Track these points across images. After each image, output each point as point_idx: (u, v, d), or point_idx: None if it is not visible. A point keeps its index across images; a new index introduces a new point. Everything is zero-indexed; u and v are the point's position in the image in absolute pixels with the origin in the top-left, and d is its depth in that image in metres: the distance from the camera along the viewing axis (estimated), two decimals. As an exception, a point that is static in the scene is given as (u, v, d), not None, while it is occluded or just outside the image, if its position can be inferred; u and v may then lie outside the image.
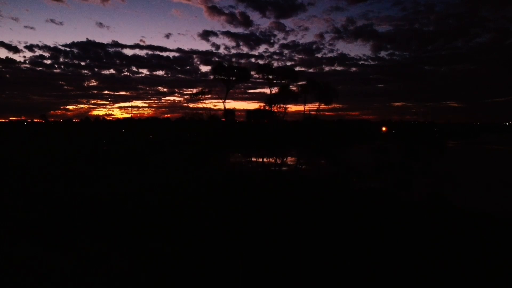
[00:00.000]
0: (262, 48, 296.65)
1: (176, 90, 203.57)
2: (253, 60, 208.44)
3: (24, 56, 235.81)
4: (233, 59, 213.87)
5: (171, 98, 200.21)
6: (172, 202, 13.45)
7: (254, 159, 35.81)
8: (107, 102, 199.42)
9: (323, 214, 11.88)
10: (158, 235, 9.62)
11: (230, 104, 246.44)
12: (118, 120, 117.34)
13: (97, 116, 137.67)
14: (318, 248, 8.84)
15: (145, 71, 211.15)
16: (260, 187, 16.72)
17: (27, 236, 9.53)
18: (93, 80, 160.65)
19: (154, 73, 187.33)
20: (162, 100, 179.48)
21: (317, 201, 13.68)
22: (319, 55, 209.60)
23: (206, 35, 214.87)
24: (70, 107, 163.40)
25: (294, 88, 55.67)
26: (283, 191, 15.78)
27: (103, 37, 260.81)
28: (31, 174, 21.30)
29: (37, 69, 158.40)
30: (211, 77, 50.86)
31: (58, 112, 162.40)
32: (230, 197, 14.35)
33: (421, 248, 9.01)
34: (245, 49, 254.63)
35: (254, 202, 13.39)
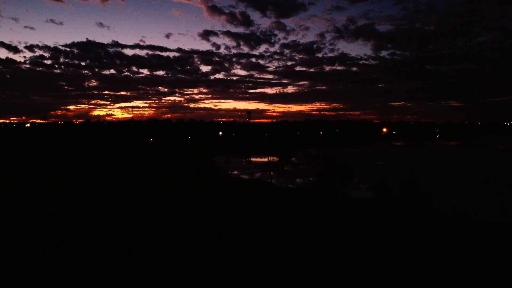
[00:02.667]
0: (262, 48, 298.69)
1: (177, 90, 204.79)
2: (253, 60, 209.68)
3: (25, 57, 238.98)
4: (234, 59, 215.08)
5: (172, 98, 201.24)
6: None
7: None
8: (108, 102, 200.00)
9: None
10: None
11: (231, 104, 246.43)
12: (119, 122, 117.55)
13: (98, 117, 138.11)
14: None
15: (145, 71, 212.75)
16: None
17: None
18: (94, 80, 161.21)
19: (155, 73, 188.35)
20: (163, 100, 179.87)
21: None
22: (320, 55, 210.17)
23: (206, 35, 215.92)
24: (71, 107, 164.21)
25: None
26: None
27: (103, 37, 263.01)
28: (32, 186, 21.14)
29: (38, 69, 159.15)
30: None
31: (59, 112, 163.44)
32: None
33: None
34: (245, 49, 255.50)
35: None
